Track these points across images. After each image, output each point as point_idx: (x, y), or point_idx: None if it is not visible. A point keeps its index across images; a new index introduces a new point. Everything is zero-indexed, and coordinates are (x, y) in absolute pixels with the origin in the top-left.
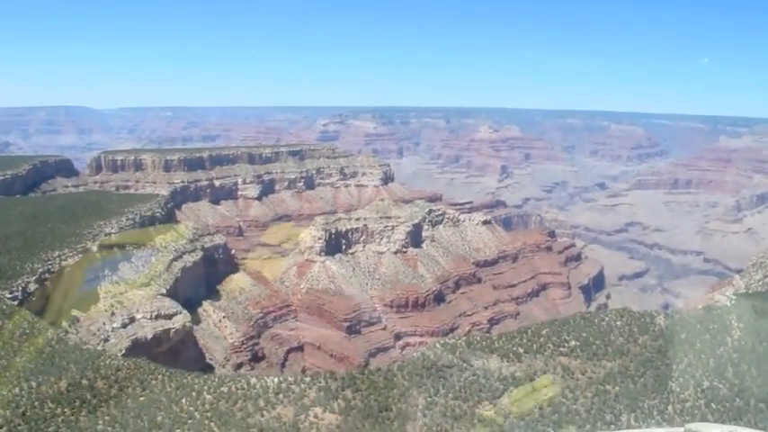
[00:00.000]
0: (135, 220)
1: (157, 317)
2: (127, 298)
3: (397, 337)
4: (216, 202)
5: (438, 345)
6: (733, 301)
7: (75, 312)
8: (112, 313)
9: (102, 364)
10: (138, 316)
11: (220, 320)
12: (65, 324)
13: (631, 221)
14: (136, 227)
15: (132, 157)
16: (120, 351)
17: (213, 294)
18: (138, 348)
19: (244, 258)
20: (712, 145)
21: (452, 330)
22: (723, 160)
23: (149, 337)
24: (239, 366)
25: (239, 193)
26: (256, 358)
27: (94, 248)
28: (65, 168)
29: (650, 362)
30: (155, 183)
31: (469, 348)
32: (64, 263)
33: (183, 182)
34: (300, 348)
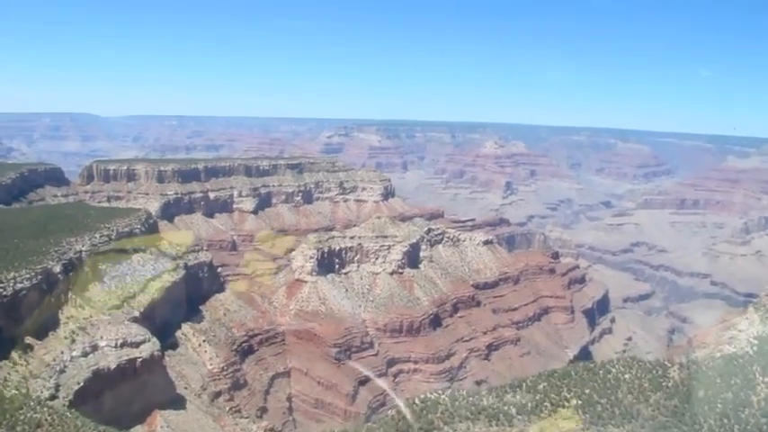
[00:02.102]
0: (110, 237)
1: (123, 345)
2: (91, 323)
3: (390, 363)
4: (210, 215)
5: (418, 400)
6: (755, 347)
7: (28, 340)
8: (73, 340)
9: (22, 417)
10: (102, 344)
11: (200, 345)
12: (14, 355)
13: (637, 241)
14: (110, 244)
15: (125, 167)
16: (78, 383)
17: (195, 315)
18: (99, 380)
19: (236, 275)
20: (720, 165)
21: (448, 357)
22: (731, 180)
23: (112, 367)
24: (217, 395)
25: (235, 206)
26: (237, 386)
27: (57, 269)
28: (54, 177)
29: (665, 429)
30: (147, 194)
31: (453, 407)
32: (18, 285)
33: (177, 193)
34: (287, 374)
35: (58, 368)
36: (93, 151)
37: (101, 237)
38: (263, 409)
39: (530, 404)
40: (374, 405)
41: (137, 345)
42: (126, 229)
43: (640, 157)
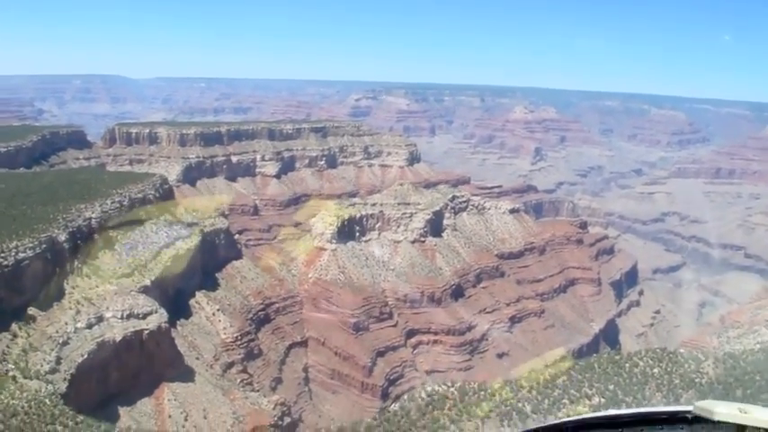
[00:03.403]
0: (122, 203)
1: (129, 316)
2: (97, 294)
3: (409, 334)
4: (232, 178)
5: (424, 393)
6: None
7: (31, 311)
8: (78, 311)
9: None
10: (108, 315)
11: (214, 314)
12: (14, 326)
13: (668, 211)
14: (123, 211)
15: (147, 131)
16: (82, 356)
17: (210, 284)
18: (104, 351)
19: (258, 240)
20: (758, 133)
21: (470, 329)
22: None
23: (118, 339)
24: (230, 366)
25: (257, 170)
26: (251, 356)
27: (62, 238)
28: (77, 140)
29: None
30: (169, 157)
31: (463, 402)
32: (21, 255)
33: (199, 157)
34: (304, 344)
35: (60, 340)
36: (122, 113)
37: (112, 203)
38: (278, 380)
39: (546, 401)
40: (392, 377)
41: (144, 316)
42: (139, 196)
43: (675, 123)
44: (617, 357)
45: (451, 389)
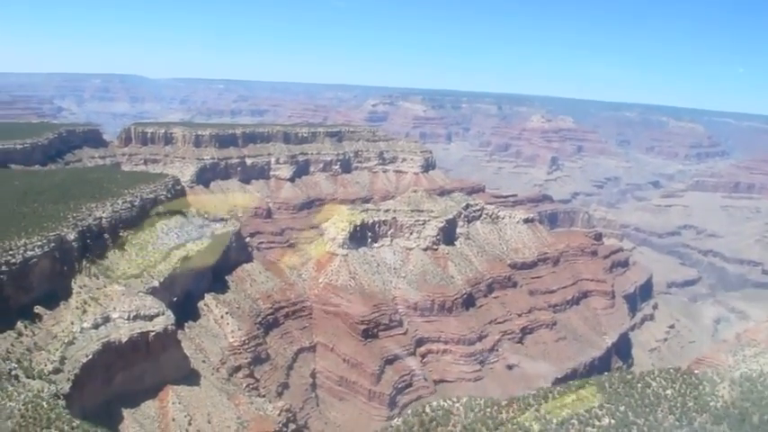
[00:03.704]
0: (133, 203)
1: (136, 317)
2: (104, 294)
3: (419, 342)
4: (246, 181)
5: (429, 409)
6: None
7: (38, 309)
8: (84, 311)
9: None
10: (115, 315)
11: (222, 316)
12: (19, 325)
13: (685, 224)
14: (134, 211)
15: (162, 131)
16: (86, 356)
17: (220, 286)
18: (109, 352)
19: (270, 243)
20: None
21: (480, 339)
22: None
23: (124, 340)
24: (236, 370)
25: (271, 173)
26: (259, 360)
27: (71, 237)
28: (93, 138)
29: None
30: (183, 158)
31: (467, 419)
32: (29, 253)
33: (213, 158)
34: (312, 349)
35: (65, 340)
36: (141, 113)
37: (123, 203)
38: (285, 385)
39: (555, 421)
40: (400, 386)
41: (150, 318)
42: (151, 196)
43: (693, 136)
44: (629, 377)
45: (457, 404)
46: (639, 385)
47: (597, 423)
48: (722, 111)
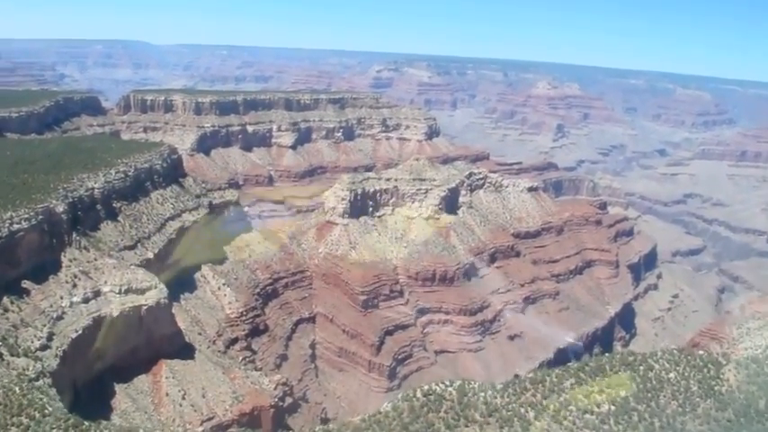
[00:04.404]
0: (127, 173)
1: (127, 291)
2: (95, 267)
3: (420, 313)
4: (248, 148)
5: (420, 393)
6: None
7: (25, 284)
8: (74, 285)
9: None
10: (106, 289)
11: (219, 288)
12: (5, 300)
13: (691, 193)
14: (127, 181)
15: (162, 98)
16: (76, 331)
17: (217, 257)
18: (100, 327)
19: (272, 211)
20: None
21: (482, 309)
22: None
23: (115, 314)
24: (233, 342)
25: (273, 140)
26: (257, 332)
27: (60, 209)
28: (91, 106)
29: None
30: (184, 125)
31: (461, 404)
32: (15, 226)
33: (214, 126)
34: (312, 320)
35: (54, 315)
36: (144, 79)
37: (116, 173)
38: (284, 357)
39: (552, 406)
40: (400, 356)
41: (142, 291)
42: (146, 166)
43: (700, 104)
44: (630, 359)
45: (449, 388)
46: (642, 368)
47: (596, 410)
48: (729, 78)
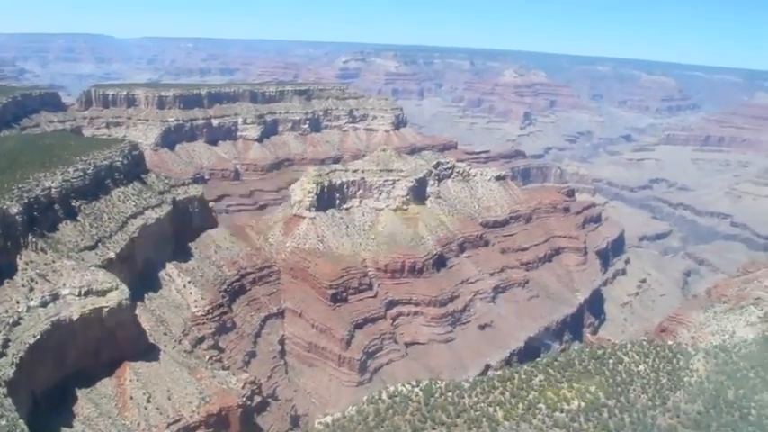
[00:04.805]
0: (86, 171)
1: (87, 293)
2: (53, 269)
3: (390, 305)
4: (213, 142)
5: (386, 395)
6: None
7: None
8: (31, 289)
9: None
10: (65, 292)
11: (185, 286)
12: None
13: (657, 178)
14: (87, 179)
15: (124, 92)
16: (34, 337)
17: (182, 254)
18: (59, 332)
19: (239, 206)
20: (749, 101)
21: (452, 300)
22: (759, 118)
23: (75, 317)
24: (200, 341)
25: (239, 133)
26: (224, 329)
27: (14, 210)
28: (51, 102)
29: None
30: (147, 120)
31: (428, 406)
32: None
33: (178, 120)
34: (281, 315)
35: (10, 321)
36: (107, 73)
37: (75, 171)
38: (252, 354)
39: (521, 405)
40: (370, 350)
41: (103, 293)
42: (105, 163)
43: (665, 90)
44: (599, 352)
45: (416, 389)
46: (611, 361)
47: (566, 407)
48: (693, 64)
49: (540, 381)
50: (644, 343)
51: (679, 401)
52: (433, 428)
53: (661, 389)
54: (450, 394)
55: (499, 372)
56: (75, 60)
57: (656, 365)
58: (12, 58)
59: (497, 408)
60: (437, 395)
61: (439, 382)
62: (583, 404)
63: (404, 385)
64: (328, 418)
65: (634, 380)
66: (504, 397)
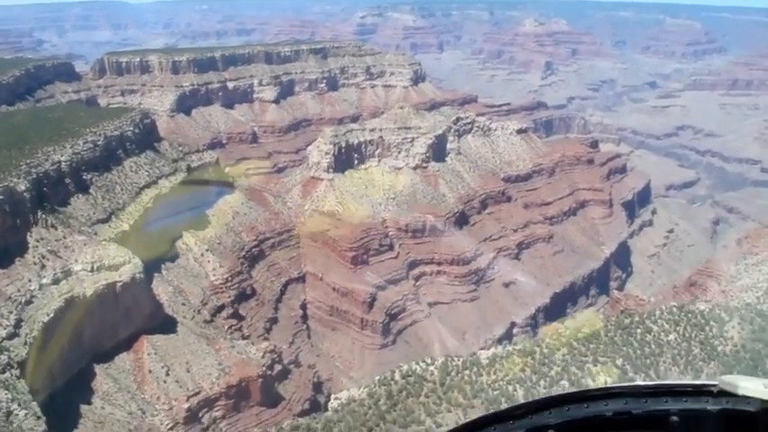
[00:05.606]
0: (96, 143)
1: (99, 268)
2: (64, 245)
3: (412, 265)
4: (229, 105)
5: (399, 375)
6: None
7: None
8: (42, 266)
9: None
10: (77, 268)
11: (203, 254)
12: None
13: (683, 125)
14: (97, 151)
15: (138, 59)
16: (47, 315)
17: (200, 222)
18: (74, 309)
19: (258, 169)
20: None
21: (475, 258)
22: None
23: (89, 294)
24: (219, 310)
25: (255, 95)
26: (244, 296)
27: (22, 187)
28: (65, 72)
29: None
30: (162, 86)
31: (444, 386)
32: None
33: (193, 84)
34: (301, 279)
35: (22, 300)
36: (124, 40)
37: (84, 144)
38: (273, 320)
39: (543, 382)
40: (393, 312)
41: (116, 267)
42: (116, 133)
43: (690, 33)
44: (627, 322)
45: (431, 367)
46: (639, 331)
47: (591, 383)
48: (720, 5)
49: (564, 355)
50: (674, 309)
51: (713, 374)
52: (449, 411)
53: (693, 360)
54: (467, 372)
55: (520, 346)
56: (92, 28)
57: (687, 334)
58: (29, 29)
59: (517, 386)
60: (453, 374)
61: (455, 359)
62: (609, 380)
63: (418, 363)
64: (337, 402)
65: (664, 351)
66: (524, 374)
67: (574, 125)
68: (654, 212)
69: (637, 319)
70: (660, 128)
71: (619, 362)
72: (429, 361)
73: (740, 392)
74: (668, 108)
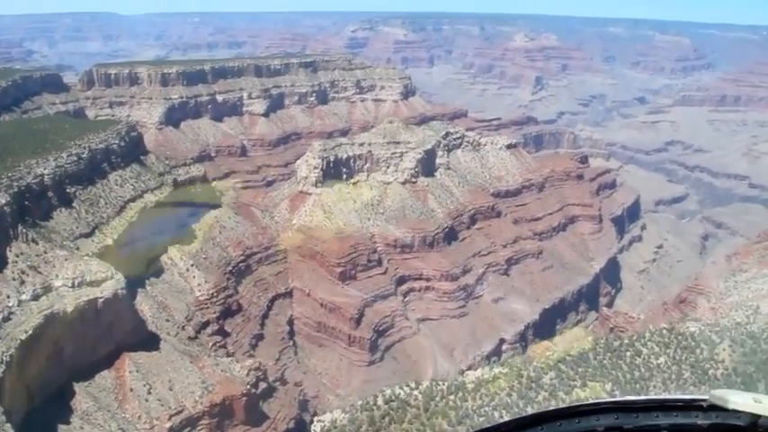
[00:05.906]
0: (81, 155)
1: (81, 284)
2: (45, 260)
3: (400, 281)
4: (218, 118)
5: (381, 400)
6: None
7: None
8: (22, 282)
9: None
10: (57, 283)
11: (188, 269)
12: None
13: (672, 140)
14: (81, 164)
15: (127, 71)
16: (26, 332)
17: (186, 237)
18: (53, 325)
19: (246, 182)
20: (765, 58)
21: (464, 273)
22: None
23: (69, 310)
24: (204, 326)
25: (244, 108)
26: (230, 312)
27: (1, 201)
28: (53, 83)
29: None
30: (150, 98)
31: (428, 411)
32: None
33: (182, 97)
34: (288, 294)
35: (0, 317)
36: (115, 51)
37: (68, 156)
38: (259, 337)
39: (530, 407)
40: (381, 328)
41: (98, 283)
42: (101, 146)
43: (679, 49)
44: (616, 344)
45: (415, 392)
46: (629, 354)
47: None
48: (708, 22)
49: (551, 379)
50: (664, 331)
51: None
52: None
53: (684, 383)
54: (452, 397)
55: (506, 370)
56: (82, 39)
57: (677, 357)
58: (19, 39)
59: (503, 412)
60: (438, 398)
61: (440, 383)
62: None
63: (402, 388)
64: (320, 426)
65: (654, 375)
66: (511, 399)
67: (564, 140)
68: (643, 228)
69: (626, 341)
70: (649, 143)
71: (608, 386)
72: (413, 385)
73: (730, 407)
74: (657, 123)
